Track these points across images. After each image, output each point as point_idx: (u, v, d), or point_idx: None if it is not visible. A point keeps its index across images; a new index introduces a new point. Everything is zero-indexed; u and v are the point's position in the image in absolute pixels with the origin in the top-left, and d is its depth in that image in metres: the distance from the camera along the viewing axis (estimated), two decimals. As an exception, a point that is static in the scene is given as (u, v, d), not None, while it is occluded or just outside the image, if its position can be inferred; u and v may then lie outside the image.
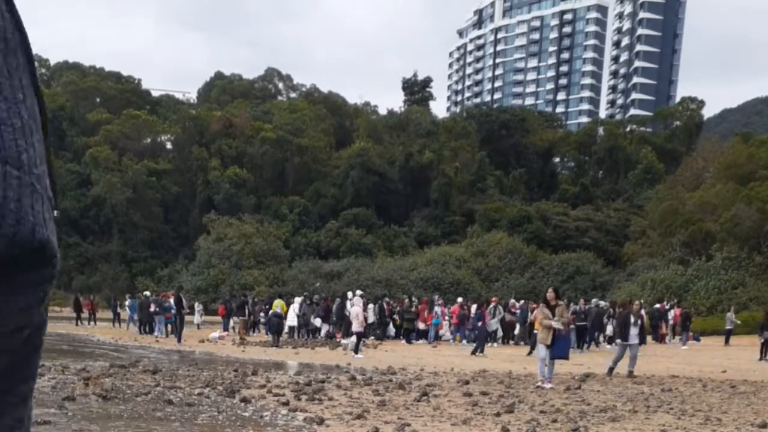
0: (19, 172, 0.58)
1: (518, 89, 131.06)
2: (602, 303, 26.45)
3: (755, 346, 20.99)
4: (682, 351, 22.94)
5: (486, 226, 52.57)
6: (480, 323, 20.92)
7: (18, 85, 0.61)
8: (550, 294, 12.26)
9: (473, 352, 19.54)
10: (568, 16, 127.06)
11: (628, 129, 75.04)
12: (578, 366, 16.09)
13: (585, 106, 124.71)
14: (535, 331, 19.60)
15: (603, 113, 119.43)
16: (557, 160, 74.67)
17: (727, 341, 25.48)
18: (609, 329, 25.70)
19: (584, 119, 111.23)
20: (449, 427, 7.92)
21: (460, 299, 27.04)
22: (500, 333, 24.47)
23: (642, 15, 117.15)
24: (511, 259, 46.39)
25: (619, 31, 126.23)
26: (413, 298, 26.50)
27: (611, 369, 14.57)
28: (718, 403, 10.32)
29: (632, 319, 14.55)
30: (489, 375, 14.03)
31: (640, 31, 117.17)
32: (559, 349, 11.82)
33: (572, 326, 22.50)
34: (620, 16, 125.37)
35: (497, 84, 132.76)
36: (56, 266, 0.62)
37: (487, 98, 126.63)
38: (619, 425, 8.24)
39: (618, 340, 15.44)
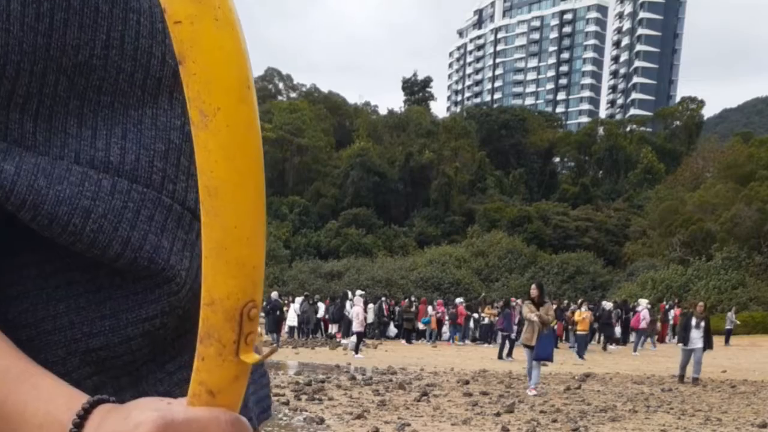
0: (146, 189, 0.62)
1: (518, 89, 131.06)
2: (606, 304, 26.28)
3: (755, 346, 21.00)
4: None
5: (486, 226, 52.56)
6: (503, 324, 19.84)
7: (179, 113, 0.65)
8: (533, 291, 10.87)
9: (500, 356, 18.36)
10: (568, 16, 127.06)
11: (628, 129, 75.09)
12: (578, 366, 16.10)
13: (585, 106, 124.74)
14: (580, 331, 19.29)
15: (603, 113, 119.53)
16: (557, 160, 74.68)
17: (727, 341, 25.48)
18: (617, 331, 25.52)
19: (584, 119, 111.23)
20: (449, 427, 7.93)
21: (459, 300, 26.98)
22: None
23: (642, 15, 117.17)
24: (511, 259, 46.36)
25: (619, 30, 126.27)
26: (413, 298, 26.45)
27: (681, 376, 13.49)
28: (718, 403, 10.32)
29: (694, 322, 13.42)
30: (489, 375, 14.04)
31: (640, 30, 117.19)
32: (541, 349, 10.70)
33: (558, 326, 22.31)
34: (620, 15, 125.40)
35: (497, 84, 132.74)
36: (173, 275, 0.63)
37: (487, 98, 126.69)
38: (619, 425, 8.25)
39: (680, 345, 14.07)
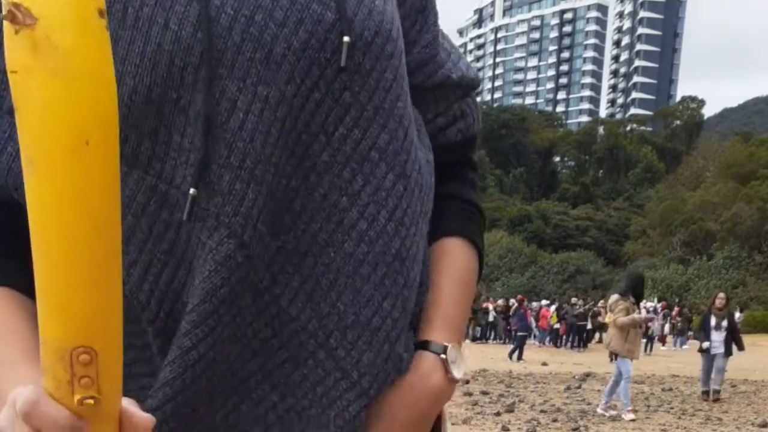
0: None
1: (518, 88, 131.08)
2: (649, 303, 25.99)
3: (756, 345, 20.93)
4: (682, 350, 22.92)
5: (486, 226, 52.55)
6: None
7: None
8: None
9: (510, 356, 17.57)
10: (569, 15, 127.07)
11: (628, 128, 75.13)
12: (578, 366, 16.07)
13: (585, 105, 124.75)
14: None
15: (603, 112, 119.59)
16: (557, 159, 74.70)
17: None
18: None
19: (584, 118, 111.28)
20: (449, 426, 7.90)
21: (545, 302, 27.11)
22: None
23: (642, 14, 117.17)
24: (511, 259, 46.33)
25: (619, 30, 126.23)
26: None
27: (705, 391, 10.32)
28: (719, 403, 10.30)
29: (714, 321, 10.23)
30: (489, 374, 14.02)
31: (641, 30, 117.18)
32: None
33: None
34: (620, 15, 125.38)
35: (497, 83, 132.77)
36: None
37: (488, 97, 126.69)
38: (619, 425, 8.23)
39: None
